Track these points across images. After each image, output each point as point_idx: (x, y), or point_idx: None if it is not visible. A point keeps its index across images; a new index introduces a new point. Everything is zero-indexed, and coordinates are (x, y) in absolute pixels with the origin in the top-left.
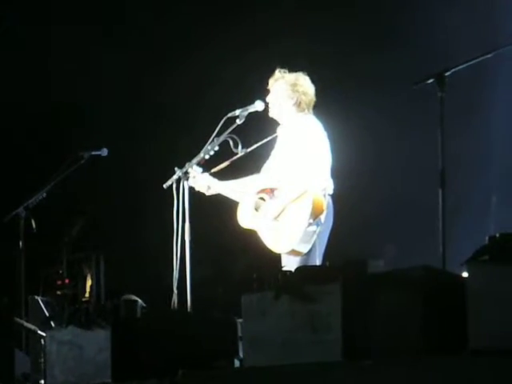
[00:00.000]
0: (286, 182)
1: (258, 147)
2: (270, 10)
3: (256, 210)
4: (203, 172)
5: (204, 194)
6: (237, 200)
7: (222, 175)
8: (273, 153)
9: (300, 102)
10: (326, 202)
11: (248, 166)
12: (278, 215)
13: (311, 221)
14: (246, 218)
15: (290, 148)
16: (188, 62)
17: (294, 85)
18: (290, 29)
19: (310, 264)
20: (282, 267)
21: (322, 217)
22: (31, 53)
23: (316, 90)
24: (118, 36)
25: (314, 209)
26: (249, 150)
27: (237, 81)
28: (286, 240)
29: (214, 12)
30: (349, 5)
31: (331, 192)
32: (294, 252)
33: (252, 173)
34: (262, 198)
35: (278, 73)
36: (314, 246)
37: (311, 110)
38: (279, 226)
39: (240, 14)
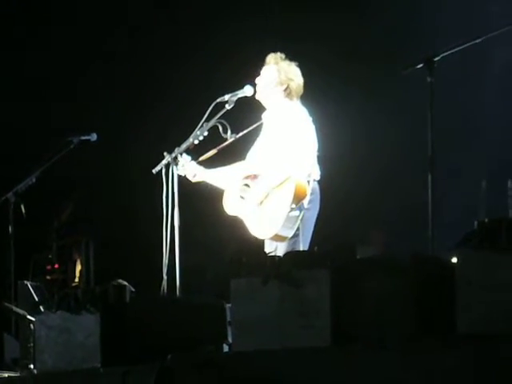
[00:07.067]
0: (269, 168)
1: (245, 134)
2: None
3: (241, 196)
4: (191, 160)
5: (190, 181)
6: (222, 187)
7: (209, 163)
8: (258, 139)
9: (290, 90)
10: (311, 188)
11: (235, 153)
12: (262, 201)
13: (293, 206)
14: (231, 205)
15: (274, 133)
16: (176, 48)
17: (287, 72)
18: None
19: (295, 249)
20: (267, 253)
21: (305, 202)
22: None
23: (304, 75)
24: (109, 22)
25: (296, 194)
26: (238, 136)
27: (227, 67)
28: (268, 225)
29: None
30: None
31: (317, 178)
32: (277, 237)
33: (238, 160)
34: (246, 185)
35: (271, 57)
36: (298, 230)
37: (298, 99)
38: (262, 211)
39: None
